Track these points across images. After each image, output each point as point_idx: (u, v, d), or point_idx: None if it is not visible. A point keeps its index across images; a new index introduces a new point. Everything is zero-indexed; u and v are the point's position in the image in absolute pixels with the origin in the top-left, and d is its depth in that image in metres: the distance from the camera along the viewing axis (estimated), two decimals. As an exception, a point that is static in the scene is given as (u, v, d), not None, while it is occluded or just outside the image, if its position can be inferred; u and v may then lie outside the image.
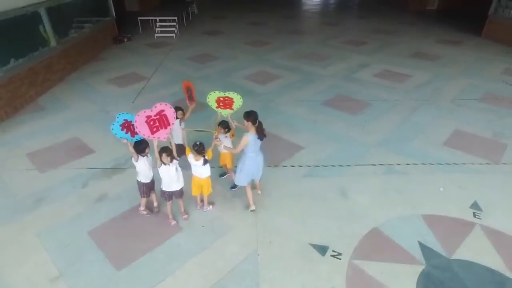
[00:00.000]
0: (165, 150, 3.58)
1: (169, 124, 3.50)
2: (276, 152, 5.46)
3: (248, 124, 3.83)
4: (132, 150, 3.75)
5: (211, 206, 4.30)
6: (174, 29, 12.80)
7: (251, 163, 3.99)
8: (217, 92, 4.22)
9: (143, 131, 3.45)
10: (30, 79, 7.18)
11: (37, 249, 3.73)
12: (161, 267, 3.55)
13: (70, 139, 5.90)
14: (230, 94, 4.16)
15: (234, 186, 4.56)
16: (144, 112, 3.41)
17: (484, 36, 11.85)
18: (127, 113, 3.68)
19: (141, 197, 4.14)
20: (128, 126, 3.66)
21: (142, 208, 4.22)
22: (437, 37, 12.32)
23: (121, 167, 5.10)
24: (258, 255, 3.68)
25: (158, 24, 12.94)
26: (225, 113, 4.26)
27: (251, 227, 4.05)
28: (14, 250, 3.72)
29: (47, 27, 7.74)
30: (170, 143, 3.74)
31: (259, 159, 4.09)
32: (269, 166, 5.12)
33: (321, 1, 22.64)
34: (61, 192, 4.61)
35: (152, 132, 3.47)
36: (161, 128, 3.48)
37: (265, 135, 3.93)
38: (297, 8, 20.07)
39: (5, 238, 3.87)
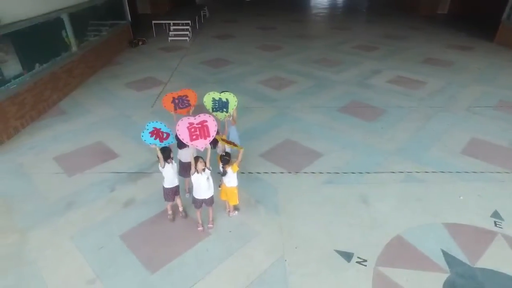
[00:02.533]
0: (199, 158, 3.72)
1: (209, 136, 3.64)
2: (296, 159, 5.57)
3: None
4: (160, 155, 3.88)
5: (236, 212, 4.43)
6: (187, 32, 12.97)
7: None
8: (212, 93, 4.35)
9: (183, 135, 3.60)
10: (53, 83, 7.37)
11: (72, 252, 3.87)
12: (191, 271, 3.67)
13: (94, 144, 6.05)
14: (225, 95, 4.26)
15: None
16: (188, 118, 3.58)
17: (497, 42, 11.88)
18: (156, 122, 3.87)
19: (165, 200, 4.27)
20: (157, 133, 3.82)
21: (169, 212, 4.35)
22: (448, 42, 12.37)
23: (146, 172, 5.24)
24: (285, 260, 3.79)
25: (172, 27, 13.12)
26: (221, 116, 4.39)
27: (276, 233, 4.16)
28: (51, 252, 3.87)
29: (69, 32, 7.94)
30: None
31: None
32: (290, 173, 5.24)
33: (329, 5, 22.77)
34: (90, 196, 4.75)
35: (191, 139, 3.61)
36: (201, 138, 3.61)
37: None
38: (305, 12, 20.20)
39: (41, 241, 4.02)
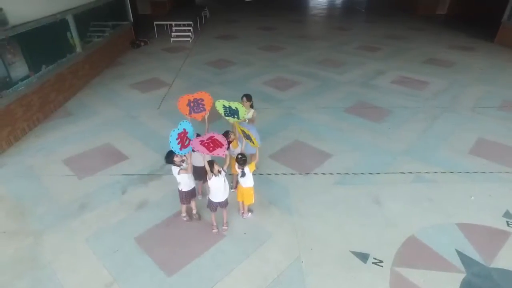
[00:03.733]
0: (214, 162, 3.72)
1: (223, 144, 3.66)
2: (305, 160, 5.59)
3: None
4: (190, 162, 3.83)
5: (250, 214, 4.44)
6: (189, 33, 12.95)
7: None
8: (221, 100, 4.32)
9: (202, 150, 3.60)
10: (59, 84, 7.33)
11: (87, 255, 3.85)
12: (209, 274, 3.67)
13: (102, 145, 6.03)
14: (235, 104, 4.23)
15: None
16: (196, 138, 3.62)
17: (497, 42, 11.99)
18: (187, 123, 3.74)
19: (181, 203, 4.28)
20: (182, 137, 3.70)
21: (183, 214, 4.35)
22: (449, 43, 12.46)
23: (157, 174, 5.23)
24: (302, 262, 3.81)
25: (174, 28, 13.09)
26: (232, 121, 4.39)
27: (290, 234, 4.17)
28: (66, 256, 3.85)
29: (74, 33, 7.90)
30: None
31: None
32: (301, 174, 5.26)
33: (328, 5, 22.83)
34: (102, 198, 4.74)
35: (210, 151, 3.62)
36: (217, 147, 3.63)
37: None
38: (304, 12, 20.25)
39: (56, 244, 4.00)
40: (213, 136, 3.68)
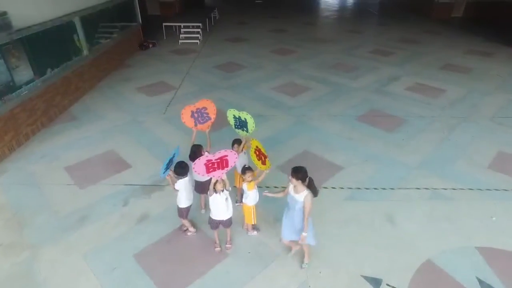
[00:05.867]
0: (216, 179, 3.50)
1: (227, 166, 3.42)
2: (315, 172, 5.27)
3: (298, 183, 3.31)
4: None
5: (255, 232, 4.21)
6: (198, 35, 12.79)
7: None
8: (232, 110, 4.13)
9: (198, 170, 3.36)
10: (64, 88, 7.23)
11: (85, 272, 3.68)
12: (211, 296, 3.46)
13: (106, 152, 5.87)
14: (244, 114, 4.00)
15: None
16: (207, 156, 3.33)
17: (517, 48, 11.50)
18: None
19: (180, 217, 4.08)
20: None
21: (190, 228, 4.16)
22: (465, 48, 12.02)
23: (160, 185, 5.04)
24: (309, 287, 3.57)
25: (182, 30, 12.95)
26: (242, 134, 4.17)
27: (297, 255, 3.93)
28: (63, 272, 3.69)
29: (80, 36, 7.79)
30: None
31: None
32: (310, 187, 5.00)
33: (339, 7, 22.46)
34: (102, 210, 4.57)
35: (208, 172, 3.38)
36: (218, 169, 3.39)
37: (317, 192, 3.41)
38: (316, 14, 19.94)
39: (53, 259, 3.84)
40: (226, 156, 3.37)
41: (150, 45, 12.05)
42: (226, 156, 3.33)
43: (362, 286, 3.58)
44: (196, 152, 3.99)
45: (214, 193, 3.54)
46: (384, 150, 5.97)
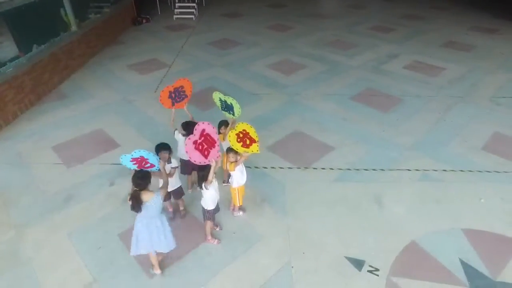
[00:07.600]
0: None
1: (215, 142, 3.37)
2: (305, 152, 5.26)
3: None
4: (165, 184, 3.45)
5: (241, 212, 4.20)
6: (193, 10, 12.38)
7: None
8: (218, 92, 4.14)
9: (198, 159, 3.29)
10: (53, 65, 7.06)
11: (69, 252, 3.71)
12: (193, 276, 3.49)
13: (94, 131, 5.81)
14: (230, 99, 3.94)
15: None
16: (189, 139, 3.24)
17: (524, 24, 11.06)
18: (146, 152, 3.28)
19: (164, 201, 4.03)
20: (140, 161, 3.32)
21: (170, 210, 4.15)
22: (471, 24, 11.56)
23: (148, 164, 4.99)
24: (292, 267, 3.58)
25: (177, 5, 12.52)
26: (228, 116, 4.17)
27: (282, 236, 3.93)
28: (48, 252, 3.71)
29: (68, 10, 7.52)
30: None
31: None
32: (299, 168, 4.96)
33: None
34: (89, 190, 4.56)
35: (206, 156, 3.32)
36: (211, 149, 3.33)
37: None
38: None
39: (38, 238, 3.86)
40: (205, 131, 3.33)
41: (144, 21, 11.69)
42: (205, 130, 3.29)
43: (345, 267, 3.59)
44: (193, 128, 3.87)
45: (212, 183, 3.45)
46: (377, 131, 5.86)
